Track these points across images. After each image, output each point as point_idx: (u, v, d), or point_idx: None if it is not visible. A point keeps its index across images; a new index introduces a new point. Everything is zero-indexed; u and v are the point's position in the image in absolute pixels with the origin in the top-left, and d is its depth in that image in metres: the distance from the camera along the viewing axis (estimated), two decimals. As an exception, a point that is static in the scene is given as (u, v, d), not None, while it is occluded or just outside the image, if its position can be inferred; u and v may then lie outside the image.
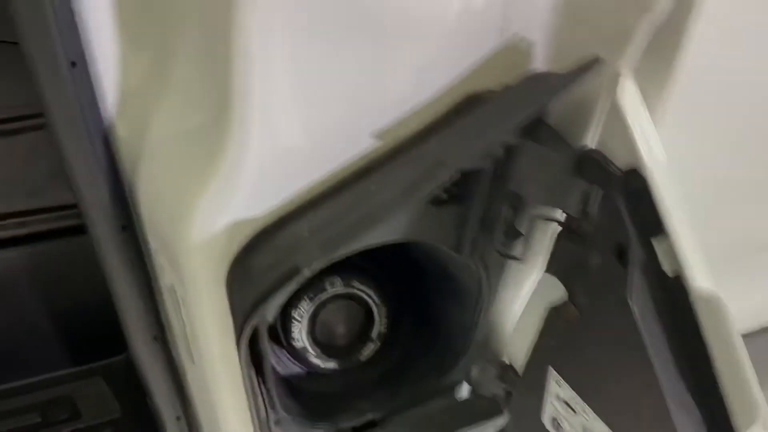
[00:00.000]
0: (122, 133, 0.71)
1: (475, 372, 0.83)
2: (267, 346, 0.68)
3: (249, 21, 0.48)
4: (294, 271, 0.56)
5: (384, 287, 0.84)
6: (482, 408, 0.84)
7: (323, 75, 0.53)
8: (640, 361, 0.52)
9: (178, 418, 1.06)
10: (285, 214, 0.61)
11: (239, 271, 0.63)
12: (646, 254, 0.50)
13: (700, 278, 0.49)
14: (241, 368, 0.69)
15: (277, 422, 0.78)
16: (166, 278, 0.79)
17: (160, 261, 0.78)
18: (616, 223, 0.51)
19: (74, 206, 1.30)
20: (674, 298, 0.50)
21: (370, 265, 0.85)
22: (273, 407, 0.75)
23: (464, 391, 0.89)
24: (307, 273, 0.56)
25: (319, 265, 0.56)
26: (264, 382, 0.73)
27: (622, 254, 0.51)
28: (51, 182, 1.24)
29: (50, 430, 1.43)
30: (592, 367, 0.59)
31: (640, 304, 0.50)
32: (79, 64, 0.63)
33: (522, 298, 0.72)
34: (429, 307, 0.85)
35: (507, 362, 0.79)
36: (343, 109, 0.55)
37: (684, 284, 0.49)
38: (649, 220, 0.50)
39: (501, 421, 0.82)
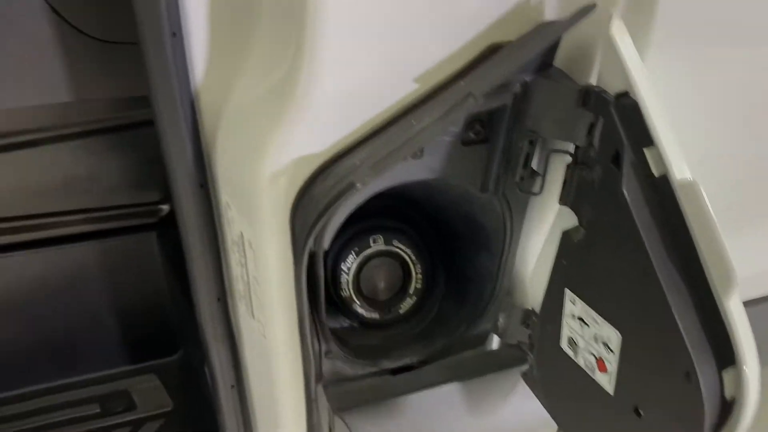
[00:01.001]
0: (205, 101, 0.86)
1: (501, 320, 0.93)
2: (322, 271, 0.80)
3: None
4: (349, 186, 0.69)
5: (420, 247, 0.96)
6: (509, 356, 0.93)
7: (375, 29, 0.67)
8: (636, 252, 0.62)
9: (232, 387, 1.16)
10: (342, 150, 0.74)
11: (302, 202, 0.76)
12: (637, 159, 0.62)
13: (681, 174, 0.60)
14: (297, 292, 0.80)
15: (327, 353, 0.88)
16: (234, 230, 0.92)
17: (230, 214, 0.91)
18: (613, 137, 0.63)
19: (146, 204, 1.46)
20: (660, 192, 0.61)
21: (409, 229, 0.97)
22: (324, 338, 0.86)
23: (494, 344, 0.98)
24: (359, 187, 0.69)
25: (370, 185, 0.69)
26: (317, 313, 0.84)
27: (617, 159, 0.62)
28: (126, 181, 1.38)
29: (108, 419, 1.53)
30: (599, 274, 0.69)
31: (631, 193, 0.61)
32: (178, 35, 0.79)
33: (542, 240, 0.83)
34: (460, 262, 0.96)
35: (530, 308, 0.88)
36: (390, 58, 0.69)
37: (669, 180, 0.60)
38: (639, 133, 0.62)
39: (526, 367, 0.91)
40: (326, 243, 0.79)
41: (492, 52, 0.69)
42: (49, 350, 1.57)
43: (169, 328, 1.65)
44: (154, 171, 1.40)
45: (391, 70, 0.71)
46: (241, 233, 0.88)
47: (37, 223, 1.38)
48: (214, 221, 0.97)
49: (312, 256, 0.78)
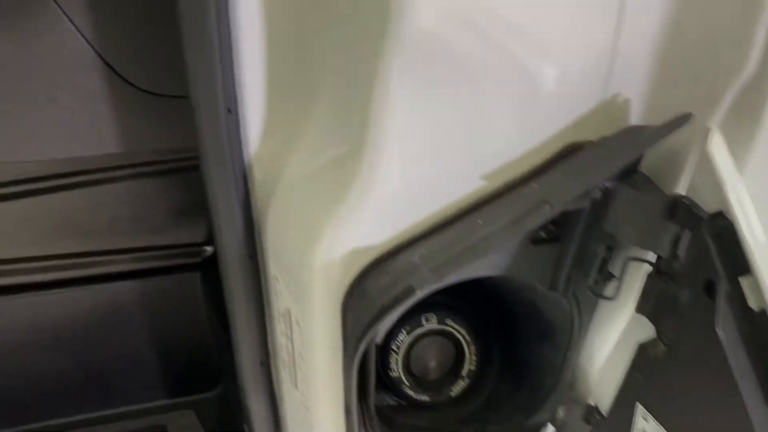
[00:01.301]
0: (258, 174, 0.82)
1: (560, 413, 0.87)
2: (374, 364, 0.76)
3: (390, 77, 0.58)
4: (409, 291, 0.64)
5: (475, 327, 0.91)
6: (567, 450, 0.87)
7: (445, 124, 0.62)
8: (727, 390, 0.56)
9: (272, 448, 1.13)
10: (400, 244, 0.69)
11: (355, 294, 0.71)
12: (732, 290, 0.55)
13: (785, 313, 0.53)
14: (345, 383, 0.76)
15: (374, 442, 0.84)
16: (281, 303, 0.88)
17: (278, 287, 0.87)
18: (705, 261, 0.57)
19: (190, 245, 1.44)
20: (759, 332, 0.55)
21: (463, 305, 0.92)
22: (372, 427, 0.81)
23: (549, 433, 0.93)
24: (419, 294, 0.64)
25: (429, 287, 0.64)
26: (365, 402, 0.79)
27: (710, 289, 0.56)
28: (172, 222, 1.37)
29: (145, 455, 1.52)
30: (679, 398, 0.63)
31: (727, 333, 0.54)
32: (233, 111, 0.75)
33: (611, 338, 0.77)
34: (518, 347, 0.90)
35: (593, 404, 0.82)
36: (459, 153, 0.64)
37: (769, 317, 0.54)
38: (735, 259, 0.56)
39: (585, 463, 0.85)
40: (379, 339, 0.74)
41: (570, 152, 0.63)
42: (89, 382, 1.58)
43: (208, 364, 1.63)
44: (198, 213, 1.38)
45: (458, 164, 0.66)
46: (289, 310, 0.85)
47: (84, 262, 1.38)
48: (261, 289, 0.93)
49: (365, 352, 0.73)
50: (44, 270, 1.36)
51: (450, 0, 0.54)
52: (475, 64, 0.59)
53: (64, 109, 0.99)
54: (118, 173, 1.24)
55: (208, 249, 1.44)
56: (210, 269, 1.48)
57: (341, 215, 0.69)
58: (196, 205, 1.35)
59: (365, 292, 0.70)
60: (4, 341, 1.40)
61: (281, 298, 0.87)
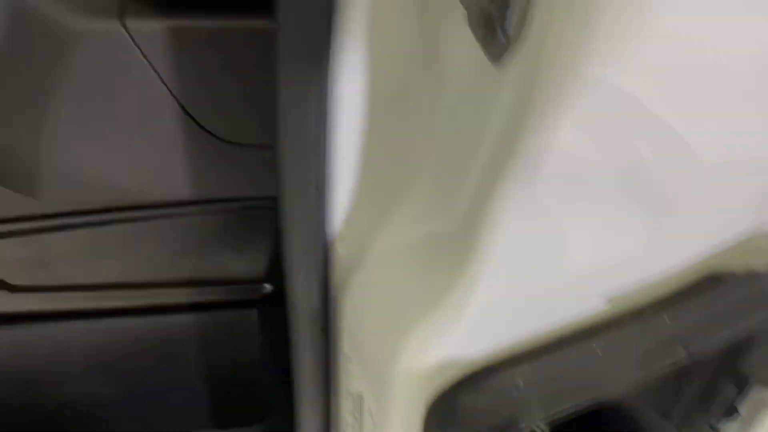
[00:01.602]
0: (341, 250, 0.76)
1: None
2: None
3: (513, 189, 0.51)
4: (512, 424, 0.57)
5: (555, 425, 0.83)
6: None
7: (569, 235, 0.55)
8: None
9: None
10: (502, 359, 0.62)
11: (445, 409, 0.64)
12: None
13: None
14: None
15: None
16: (352, 384, 0.82)
17: (350, 367, 0.82)
18: None
19: (249, 282, 1.41)
20: None
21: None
22: None
23: None
24: (525, 429, 0.57)
25: (538, 422, 0.57)
26: None
27: None
28: (233, 258, 1.33)
29: (185, 486, 1.50)
30: None
31: None
32: (320, 188, 0.70)
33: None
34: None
35: None
36: (579, 267, 0.57)
37: None
38: None
39: None
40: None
41: (709, 283, 0.55)
42: (136, 407, 1.57)
43: (256, 398, 1.61)
44: (258, 250, 1.36)
45: (577, 279, 0.58)
46: (362, 395, 0.79)
47: (143, 293, 1.37)
48: (329, 360, 0.88)
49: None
50: (103, 298, 1.35)
51: (593, 120, 0.47)
52: (612, 180, 0.52)
53: (141, 155, 0.96)
54: (183, 210, 1.21)
55: (267, 286, 1.41)
56: (268, 307, 1.44)
57: (436, 319, 0.63)
58: (257, 242, 1.32)
59: (457, 411, 0.63)
60: (60, 366, 1.38)
61: (353, 378, 0.82)
